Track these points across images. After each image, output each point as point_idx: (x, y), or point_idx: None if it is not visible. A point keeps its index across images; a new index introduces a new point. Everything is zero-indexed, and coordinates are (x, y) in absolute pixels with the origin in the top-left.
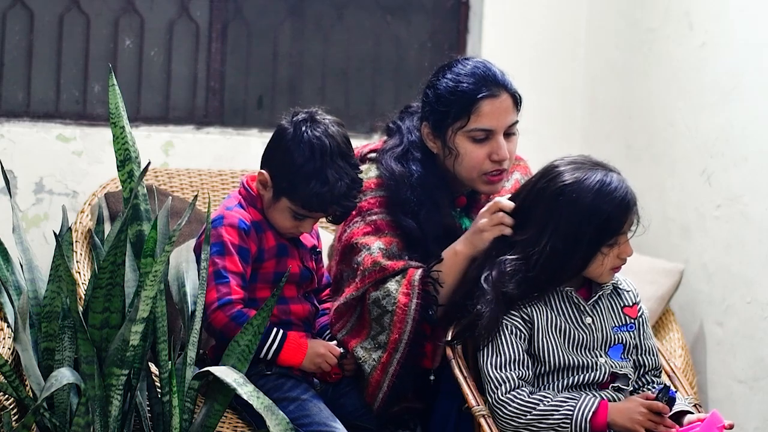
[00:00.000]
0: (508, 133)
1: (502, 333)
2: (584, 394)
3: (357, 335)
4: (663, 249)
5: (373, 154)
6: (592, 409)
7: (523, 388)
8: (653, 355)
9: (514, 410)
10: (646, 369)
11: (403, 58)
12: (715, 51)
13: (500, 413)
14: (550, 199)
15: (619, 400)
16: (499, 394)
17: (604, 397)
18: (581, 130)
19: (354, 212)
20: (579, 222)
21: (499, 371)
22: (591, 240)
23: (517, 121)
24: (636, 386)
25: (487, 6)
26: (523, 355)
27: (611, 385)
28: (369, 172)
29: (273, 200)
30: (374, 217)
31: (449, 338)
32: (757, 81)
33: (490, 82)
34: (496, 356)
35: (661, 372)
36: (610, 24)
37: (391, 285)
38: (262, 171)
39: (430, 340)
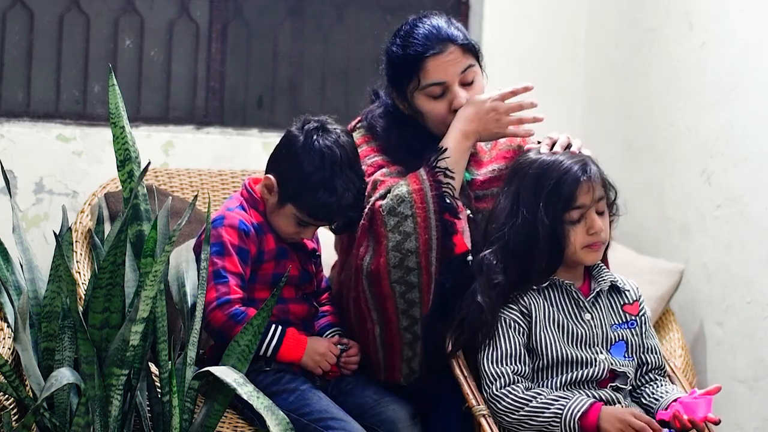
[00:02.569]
0: (466, 83)
1: (500, 327)
2: (578, 394)
3: (379, 255)
4: (663, 249)
5: (360, 123)
6: (582, 410)
7: (519, 384)
8: (656, 354)
9: (508, 405)
10: (649, 367)
11: None
12: (715, 51)
13: (494, 408)
14: (519, 176)
15: (618, 400)
16: (494, 389)
17: (602, 398)
18: (581, 130)
19: None
20: (533, 194)
21: (495, 366)
22: (548, 213)
23: (471, 65)
24: (638, 384)
25: (487, 6)
26: (521, 349)
27: (610, 384)
28: (358, 134)
29: (277, 205)
30: (374, 159)
31: (449, 348)
32: (757, 81)
33: (434, 40)
34: (494, 350)
35: (665, 371)
36: (610, 24)
37: (401, 189)
38: (269, 176)
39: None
